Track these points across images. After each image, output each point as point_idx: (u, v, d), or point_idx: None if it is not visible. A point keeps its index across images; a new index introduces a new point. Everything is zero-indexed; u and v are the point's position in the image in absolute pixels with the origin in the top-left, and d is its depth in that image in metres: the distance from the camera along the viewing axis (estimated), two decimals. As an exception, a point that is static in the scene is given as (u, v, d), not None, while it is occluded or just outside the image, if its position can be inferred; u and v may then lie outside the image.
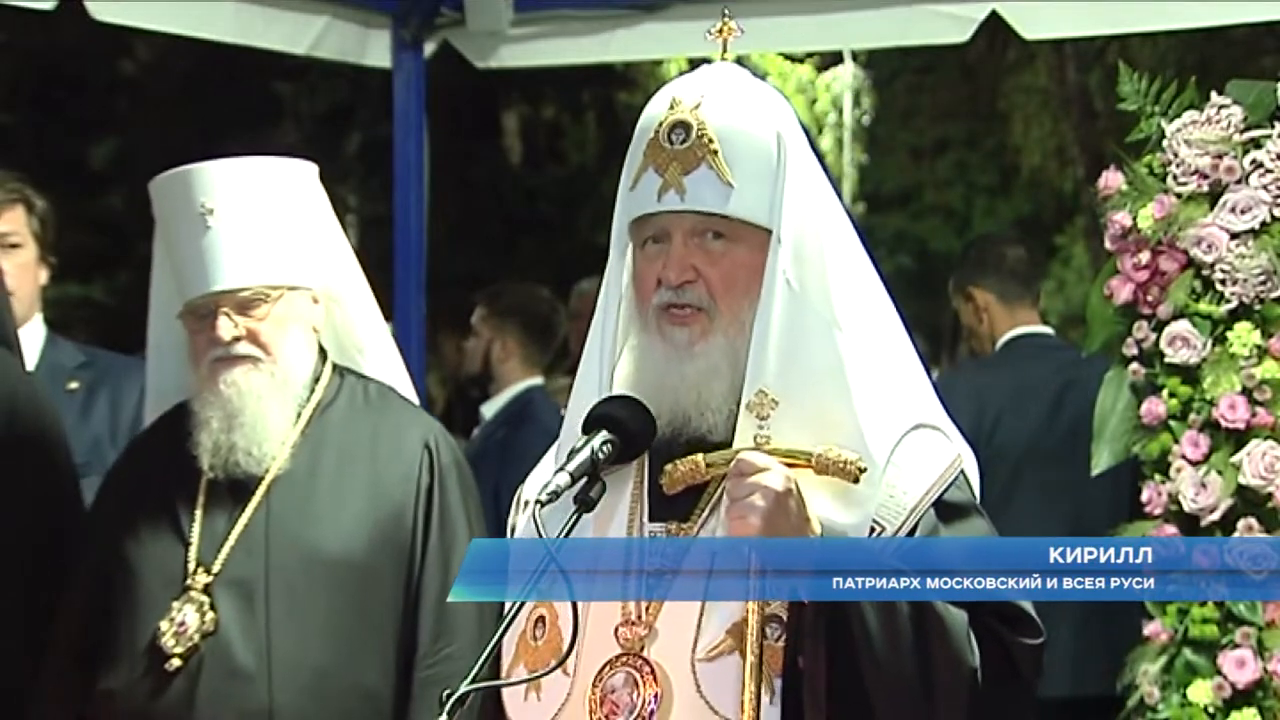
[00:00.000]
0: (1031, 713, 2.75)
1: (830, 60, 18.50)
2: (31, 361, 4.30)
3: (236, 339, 3.48)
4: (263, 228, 3.53)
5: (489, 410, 6.49)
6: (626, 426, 2.68)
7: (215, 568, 3.44)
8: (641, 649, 2.66)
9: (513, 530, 2.87)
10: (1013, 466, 5.45)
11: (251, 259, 3.51)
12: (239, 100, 13.84)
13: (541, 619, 2.73)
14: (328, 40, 6.29)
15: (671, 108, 2.74)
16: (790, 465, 2.61)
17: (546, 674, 2.68)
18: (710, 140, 2.70)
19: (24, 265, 4.35)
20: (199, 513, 3.49)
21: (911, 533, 2.66)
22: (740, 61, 2.85)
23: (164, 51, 14.15)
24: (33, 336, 4.38)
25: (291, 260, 3.56)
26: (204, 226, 3.50)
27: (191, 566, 3.45)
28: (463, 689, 2.47)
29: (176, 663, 3.39)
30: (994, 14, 5.65)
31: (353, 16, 6.37)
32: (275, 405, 3.49)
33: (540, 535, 2.61)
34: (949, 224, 18.99)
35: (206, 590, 3.42)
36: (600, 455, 2.63)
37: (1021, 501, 5.39)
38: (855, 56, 18.22)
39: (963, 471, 2.77)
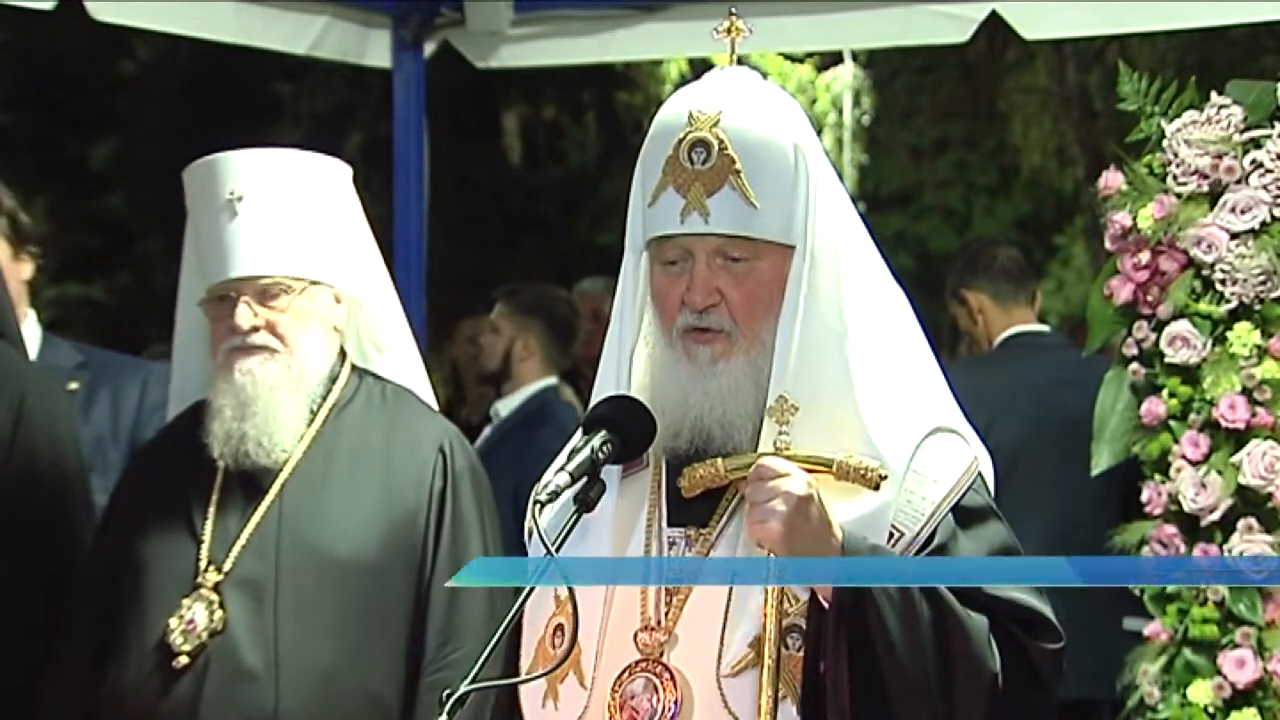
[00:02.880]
0: (1051, 717, 2.74)
1: (830, 60, 18.48)
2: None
3: (255, 329, 3.47)
4: (291, 219, 3.52)
5: (504, 408, 6.48)
6: (626, 427, 2.67)
7: (226, 566, 3.43)
8: (661, 655, 2.66)
9: (529, 534, 2.86)
10: (1007, 465, 5.45)
11: (276, 248, 3.49)
12: (239, 100, 13.84)
13: (560, 627, 2.73)
14: (328, 40, 6.29)
15: (690, 122, 2.71)
16: (810, 471, 2.61)
17: (545, 674, 2.68)
18: (733, 160, 2.68)
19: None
20: (212, 511, 3.48)
21: (931, 538, 2.66)
22: (740, 62, 2.83)
23: (164, 51, 14.15)
24: (27, 338, 4.29)
25: (317, 256, 3.54)
26: (232, 213, 3.49)
27: (202, 565, 3.44)
28: (463, 689, 2.47)
29: (184, 660, 3.38)
30: (994, 14, 5.66)
31: (353, 16, 6.37)
32: (288, 398, 3.47)
33: (537, 534, 2.61)
34: (949, 224, 18.97)
35: (216, 589, 3.41)
36: (600, 455, 2.63)
37: (1015, 500, 5.39)
38: (855, 56, 18.20)
39: (980, 474, 2.77)
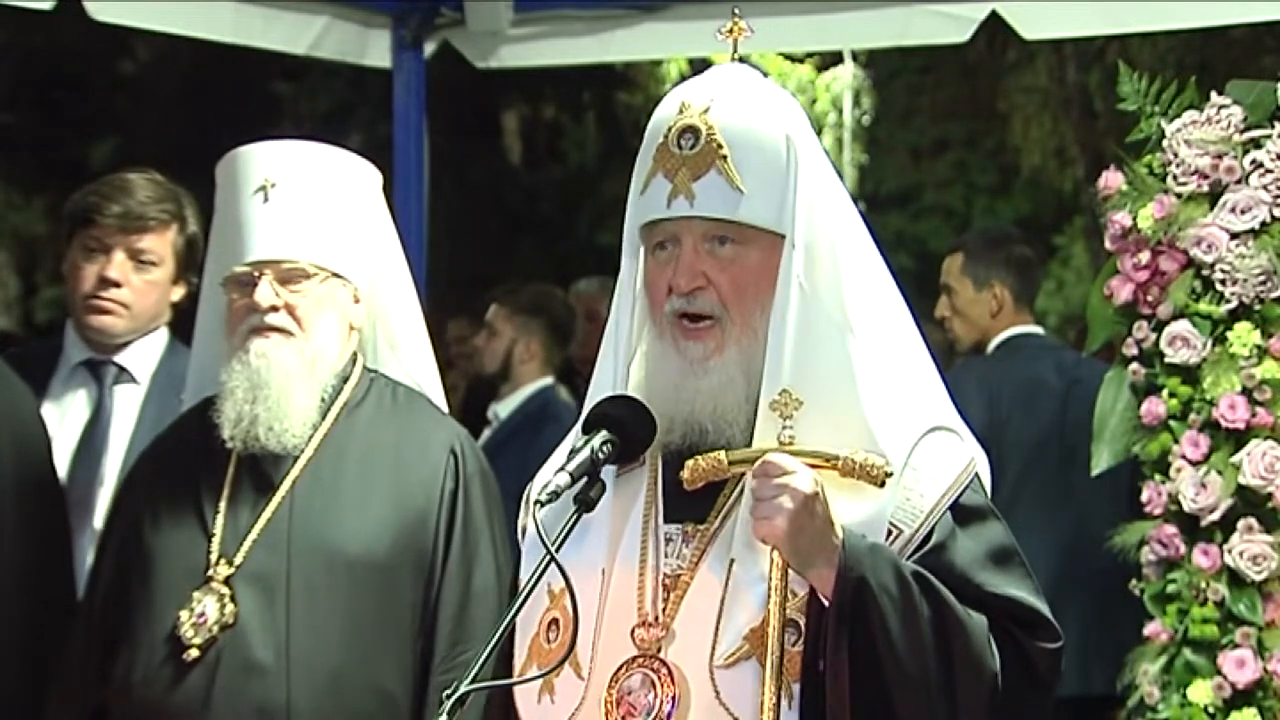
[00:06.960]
0: (1049, 716, 2.74)
1: (830, 60, 18.48)
2: (150, 368, 4.36)
3: (274, 309, 3.48)
4: (320, 211, 3.54)
5: (503, 410, 6.47)
6: (626, 426, 2.67)
7: (237, 560, 3.43)
8: (659, 651, 2.66)
9: (523, 531, 2.87)
10: (1023, 463, 5.46)
11: (303, 235, 3.52)
12: (239, 100, 13.85)
13: (555, 622, 2.73)
14: (328, 40, 6.30)
15: (680, 112, 2.73)
16: (814, 467, 2.60)
17: (546, 674, 2.68)
18: (719, 145, 2.69)
19: (154, 282, 4.35)
20: (223, 504, 3.49)
21: (929, 536, 2.66)
22: (741, 61, 2.84)
23: (164, 51, 14.17)
24: (154, 345, 4.41)
25: (341, 250, 3.56)
26: (264, 198, 3.52)
27: (213, 558, 3.44)
28: (463, 688, 2.47)
29: (194, 653, 3.38)
30: (994, 14, 5.66)
31: (353, 16, 6.38)
32: (301, 384, 3.48)
33: (533, 532, 2.61)
34: (949, 224, 18.94)
35: (227, 582, 3.42)
36: (600, 455, 2.62)
37: (1032, 497, 5.40)
38: (855, 56, 18.20)
39: (977, 474, 2.77)
